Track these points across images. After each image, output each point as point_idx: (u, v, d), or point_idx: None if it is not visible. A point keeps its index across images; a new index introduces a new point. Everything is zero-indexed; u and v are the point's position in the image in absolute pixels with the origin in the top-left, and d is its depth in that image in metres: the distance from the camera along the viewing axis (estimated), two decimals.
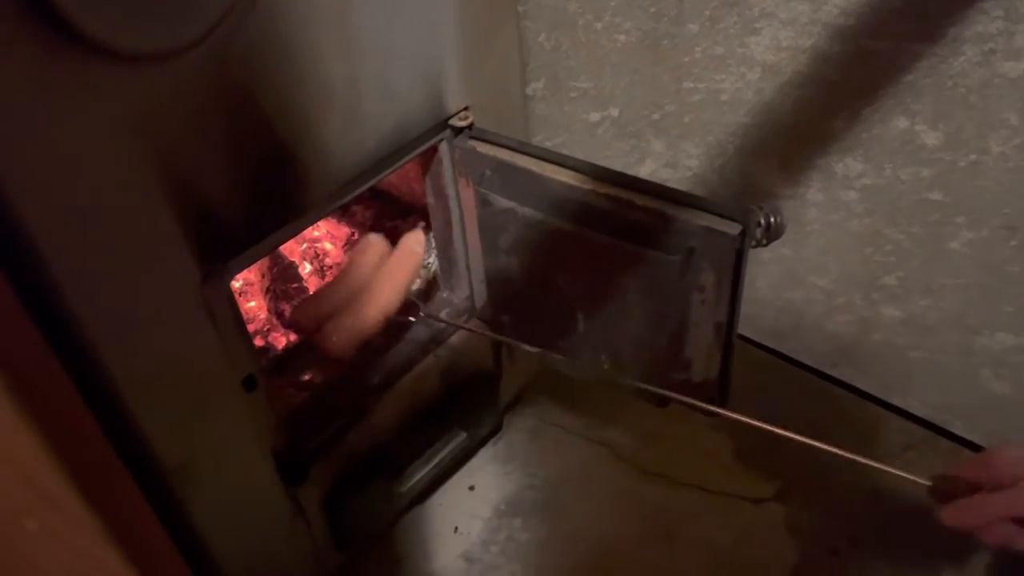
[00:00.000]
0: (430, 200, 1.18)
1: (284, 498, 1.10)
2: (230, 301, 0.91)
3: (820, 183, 1.31)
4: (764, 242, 0.99)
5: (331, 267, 1.35)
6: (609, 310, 1.04)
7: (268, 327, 1.25)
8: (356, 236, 1.37)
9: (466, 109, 1.06)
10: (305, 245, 1.37)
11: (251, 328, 1.26)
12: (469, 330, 1.21)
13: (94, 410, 0.73)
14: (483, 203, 1.06)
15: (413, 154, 1.04)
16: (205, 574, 1.03)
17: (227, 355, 0.93)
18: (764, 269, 1.48)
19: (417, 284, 1.32)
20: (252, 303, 1.29)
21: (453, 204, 1.15)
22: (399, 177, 1.40)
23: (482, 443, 1.49)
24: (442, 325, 1.22)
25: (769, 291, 1.50)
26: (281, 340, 1.24)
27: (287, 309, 1.22)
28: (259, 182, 0.87)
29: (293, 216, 0.93)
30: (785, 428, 0.96)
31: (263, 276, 1.27)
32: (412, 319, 1.17)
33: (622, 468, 1.46)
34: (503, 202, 1.03)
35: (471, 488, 1.44)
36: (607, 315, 1.04)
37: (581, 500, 1.42)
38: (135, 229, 0.78)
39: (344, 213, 1.42)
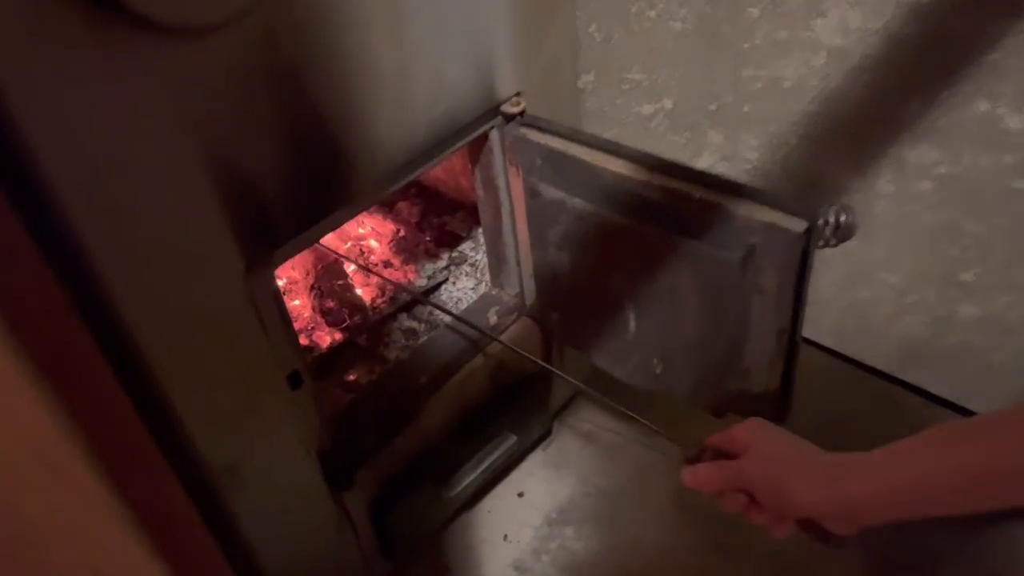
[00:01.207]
0: (479, 193, 1.14)
1: (330, 503, 1.06)
2: (274, 292, 0.88)
3: (891, 173, 1.24)
4: (832, 242, 0.93)
5: (376, 264, 1.31)
6: (662, 311, 0.98)
7: (312, 326, 1.22)
8: (402, 233, 1.34)
9: (518, 95, 1.02)
10: (350, 243, 1.34)
11: (295, 326, 1.23)
12: (512, 349, 1.16)
13: (140, 408, 0.70)
14: (533, 194, 1.01)
15: (464, 141, 1.00)
16: None
17: (272, 350, 0.90)
18: (828, 267, 1.41)
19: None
20: (296, 301, 1.26)
21: (503, 196, 1.10)
22: (446, 172, 1.36)
23: (532, 448, 1.44)
24: (491, 326, 1.17)
25: (834, 290, 1.43)
26: (325, 339, 1.21)
27: (333, 305, 1.19)
28: (306, 167, 0.84)
29: (340, 204, 0.89)
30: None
31: (307, 274, 1.24)
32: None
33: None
34: (553, 193, 0.99)
35: (520, 495, 1.39)
36: (660, 316, 0.99)
37: (638, 509, 1.36)
38: (177, 213, 0.75)
39: (390, 210, 1.39)
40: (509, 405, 1.24)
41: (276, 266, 0.86)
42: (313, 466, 1.02)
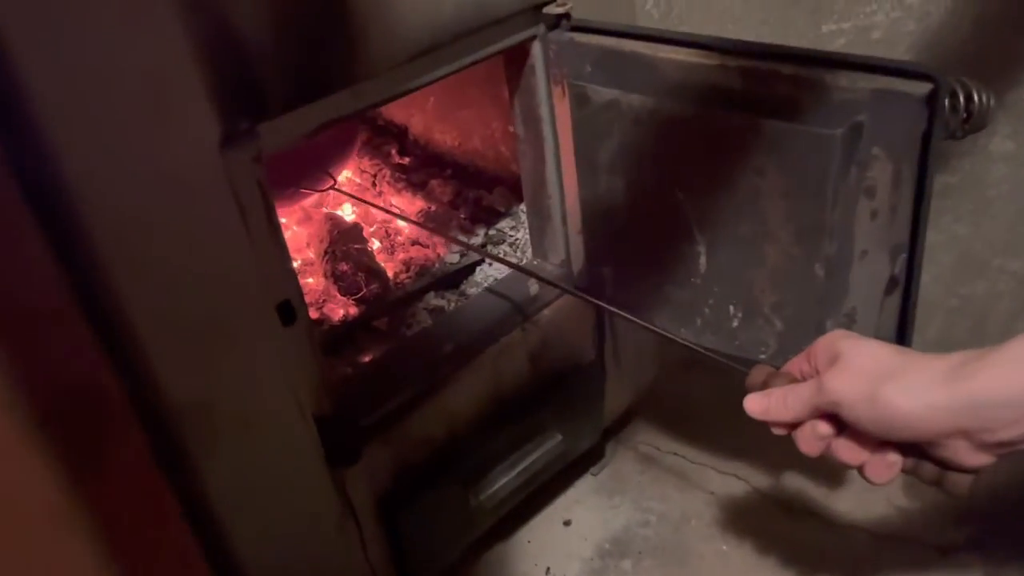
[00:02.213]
0: (519, 131, 0.97)
1: (330, 489, 0.86)
2: (260, 184, 0.71)
3: (1010, 127, 1.05)
4: (961, 131, 0.73)
5: (403, 244, 1.15)
6: (741, 234, 0.79)
7: (324, 299, 1.05)
8: (433, 209, 1.18)
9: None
10: (375, 226, 1.19)
11: (306, 300, 1.06)
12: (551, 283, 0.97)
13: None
14: (580, 102, 0.84)
15: (499, 45, 0.85)
16: None
17: (256, 263, 0.73)
18: (931, 256, 1.19)
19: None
20: (310, 280, 1.10)
21: (547, 130, 0.94)
22: (484, 142, 1.21)
23: (581, 466, 1.22)
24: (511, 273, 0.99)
25: (938, 288, 1.21)
26: (338, 311, 1.04)
27: (347, 269, 1.02)
28: (304, 22, 0.69)
29: (346, 80, 0.74)
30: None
31: (321, 240, 1.08)
32: None
33: (763, 504, 1.15)
34: (605, 94, 0.82)
35: (567, 523, 1.17)
36: (738, 243, 0.79)
37: (710, 541, 1.11)
38: (137, 58, 0.61)
39: (421, 188, 1.24)
40: (554, 397, 1.04)
41: (264, 148, 0.70)
42: (309, 433, 0.82)
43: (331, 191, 1.15)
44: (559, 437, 1.03)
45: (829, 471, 1.18)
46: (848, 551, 1.08)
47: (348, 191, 1.18)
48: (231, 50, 0.66)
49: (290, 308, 0.77)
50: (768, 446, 1.21)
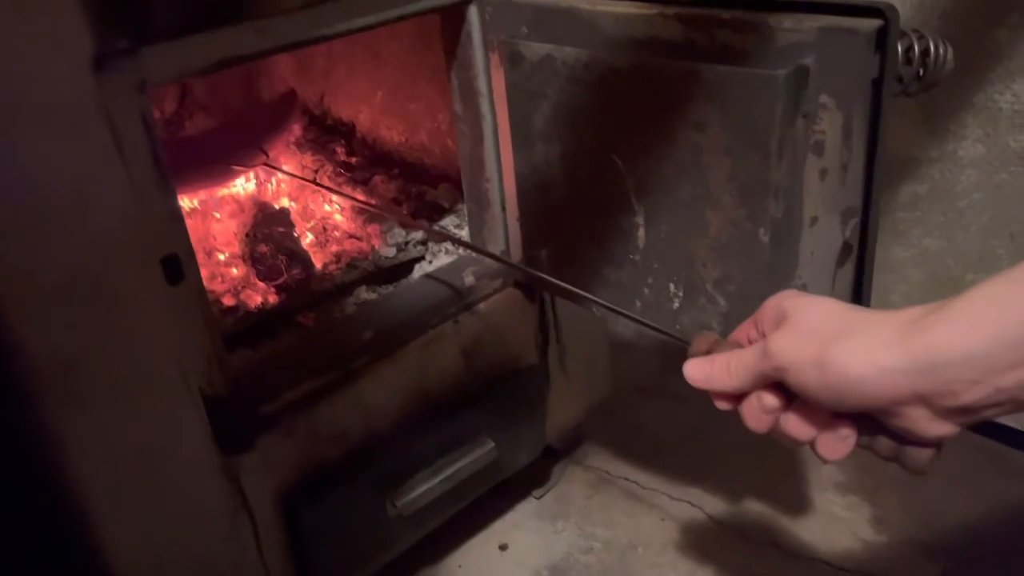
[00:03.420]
0: (457, 108, 0.91)
1: (220, 476, 0.77)
2: (145, 118, 0.64)
3: (980, 129, 0.99)
4: (915, 85, 0.67)
5: (338, 238, 1.08)
6: (681, 201, 0.71)
7: (243, 285, 0.97)
8: (373, 203, 1.11)
9: None
10: (313, 222, 1.11)
11: (222, 286, 0.98)
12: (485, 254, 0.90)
13: None
14: (514, 61, 0.78)
15: (431, 2, 0.79)
16: None
17: (137, 210, 0.65)
18: (901, 274, 1.12)
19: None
20: (234, 270, 1.02)
21: (484, 105, 0.88)
22: (431, 136, 1.15)
23: (524, 488, 1.12)
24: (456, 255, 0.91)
25: (907, 306, 1.14)
26: (255, 298, 0.95)
27: (266, 250, 0.94)
28: None
29: (246, 14, 0.67)
30: None
31: (245, 225, 1.00)
32: None
33: (719, 534, 1.06)
34: (539, 50, 0.76)
35: (503, 548, 1.07)
36: (678, 211, 0.72)
37: (658, 570, 1.01)
38: None
39: (364, 186, 1.17)
40: (489, 400, 0.95)
41: (150, 78, 0.64)
42: (196, 412, 0.73)
43: (272, 176, 1.09)
44: (491, 444, 0.94)
45: (791, 499, 1.08)
46: None
47: (281, 171, 1.11)
48: None
49: (176, 263, 0.69)
50: (726, 472, 1.13)
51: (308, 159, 1.23)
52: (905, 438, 0.48)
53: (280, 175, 1.17)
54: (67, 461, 0.67)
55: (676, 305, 0.76)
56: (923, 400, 0.45)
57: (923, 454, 0.49)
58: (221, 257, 1.06)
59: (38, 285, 0.62)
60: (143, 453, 0.71)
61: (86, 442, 0.67)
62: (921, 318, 0.45)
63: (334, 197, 1.16)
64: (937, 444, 0.48)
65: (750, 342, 0.56)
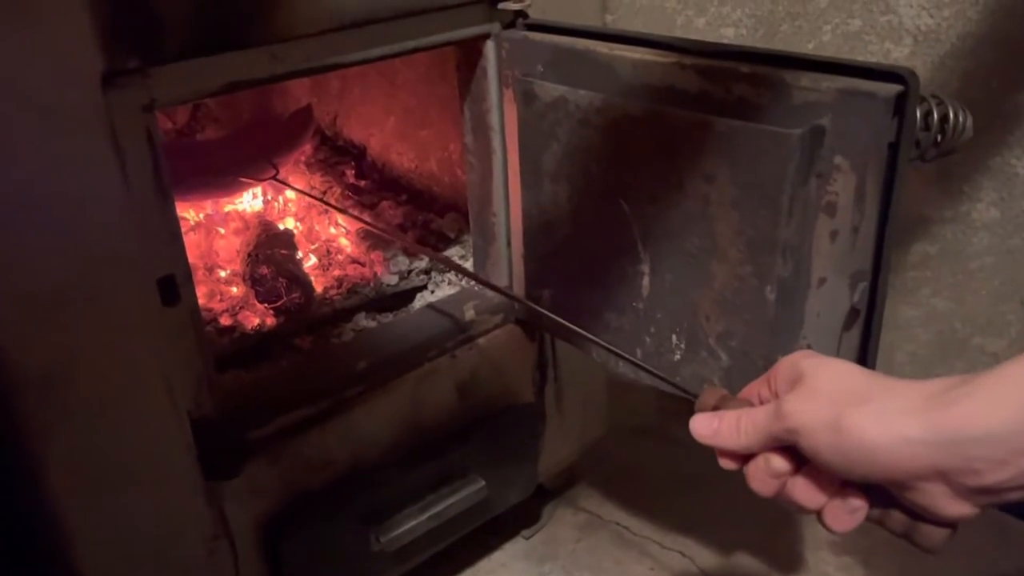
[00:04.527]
0: (468, 141, 0.91)
1: (202, 500, 0.75)
2: (150, 136, 0.64)
3: (995, 192, 0.98)
4: (932, 151, 0.66)
5: (341, 262, 1.07)
6: (687, 252, 0.70)
7: (241, 305, 0.96)
8: (382, 227, 1.10)
9: None
10: (317, 244, 1.11)
11: (221, 305, 0.97)
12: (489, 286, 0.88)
13: None
14: (527, 100, 0.78)
15: (448, 35, 0.79)
16: None
17: (137, 228, 0.65)
18: (908, 333, 1.11)
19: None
20: (234, 289, 1.01)
21: (496, 140, 0.87)
22: (441, 165, 1.14)
23: (513, 527, 1.10)
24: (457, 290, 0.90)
25: (914, 369, 1.12)
26: (252, 319, 0.94)
27: (267, 272, 0.93)
28: None
29: (260, 38, 0.67)
30: None
31: (248, 244, 0.99)
32: None
33: None
34: (553, 91, 0.75)
35: None
36: (684, 262, 0.71)
37: None
38: None
39: (371, 210, 1.16)
40: (482, 437, 0.94)
41: (159, 99, 0.63)
42: (182, 434, 0.72)
43: (280, 194, 1.08)
44: (481, 483, 0.92)
45: (785, 557, 1.06)
46: None
47: (291, 187, 1.10)
48: None
49: (173, 285, 0.69)
50: (720, 523, 1.11)
51: (317, 179, 1.22)
52: (920, 515, 0.46)
53: (287, 193, 1.17)
54: (45, 474, 0.66)
55: (677, 357, 0.75)
56: (943, 476, 0.43)
57: (937, 533, 0.47)
58: (222, 274, 1.05)
59: (28, 292, 0.61)
60: (123, 472, 0.70)
61: (68, 457, 0.66)
62: (947, 391, 0.43)
63: (340, 219, 1.15)
64: (953, 524, 0.47)
65: (761, 401, 0.54)
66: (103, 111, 0.61)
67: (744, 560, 1.06)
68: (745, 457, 0.51)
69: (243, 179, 1.07)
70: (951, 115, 0.64)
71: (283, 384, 0.84)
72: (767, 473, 0.50)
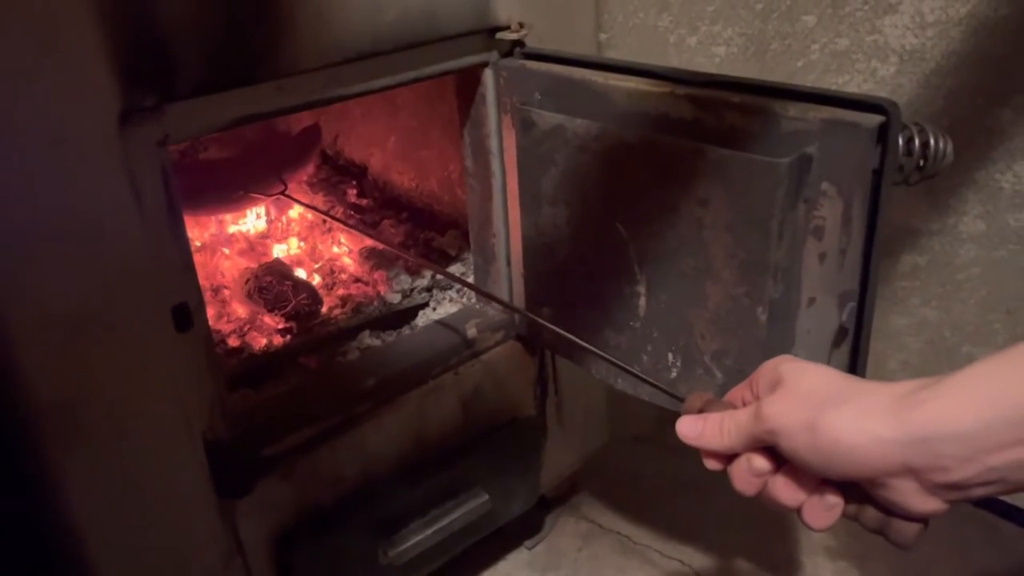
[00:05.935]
0: (468, 164, 0.93)
1: (215, 517, 0.78)
2: (164, 171, 0.66)
3: (981, 206, 1.01)
4: (915, 176, 0.69)
5: (345, 281, 1.09)
6: (682, 273, 0.73)
7: (248, 326, 0.99)
8: (381, 248, 1.12)
9: (521, 26, 0.84)
10: (320, 263, 1.13)
11: (228, 326, 0.99)
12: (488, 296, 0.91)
13: None
14: (526, 127, 0.80)
15: (448, 64, 0.82)
16: None
17: (151, 259, 0.67)
18: (899, 342, 1.14)
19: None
20: (241, 310, 1.04)
21: (495, 164, 0.90)
22: (441, 184, 1.17)
23: (516, 538, 1.13)
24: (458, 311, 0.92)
25: (907, 376, 1.15)
26: (260, 340, 0.97)
27: (271, 280, 0.95)
28: (227, 5, 0.66)
29: (269, 74, 0.69)
30: None
31: (245, 274, 1.02)
32: None
33: None
34: (550, 119, 0.78)
35: None
36: (679, 282, 0.74)
37: None
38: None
39: (372, 228, 1.19)
40: (485, 451, 0.96)
41: (173, 134, 0.66)
42: (195, 455, 0.75)
43: (285, 212, 1.11)
44: (485, 497, 0.95)
45: (782, 562, 1.09)
46: None
47: (299, 203, 1.13)
48: (140, 14, 0.62)
49: (186, 312, 0.71)
50: (718, 529, 1.14)
51: (319, 199, 1.25)
52: (892, 511, 0.49)
53: (293, 211, 1.19)
54: (64, 495, 0.68)
55: (674, 374, 0.78)
56: (913, 473, 0.45)
57: (910, 529, 0.49)
58: (226, 292, 1.08)
59: (49, 320, 0.64)
60: (139, 492, 0.72)
61: (85, 479, 0.68)
62: (917, 391, 0.45)
63: (343, 238, 1.18)
64: (924, 520, 0.49)
65: (744, 404, 0.56)
66: (120, 146, 0.64)
67: (743, 566, 1.09)
68: (729, 457, 0.54)
69: (253, 195, 1.09)
70: (932, 141, 0.67)
71: (293, 402, 0.86)
72: (749, 472, 0.52)
